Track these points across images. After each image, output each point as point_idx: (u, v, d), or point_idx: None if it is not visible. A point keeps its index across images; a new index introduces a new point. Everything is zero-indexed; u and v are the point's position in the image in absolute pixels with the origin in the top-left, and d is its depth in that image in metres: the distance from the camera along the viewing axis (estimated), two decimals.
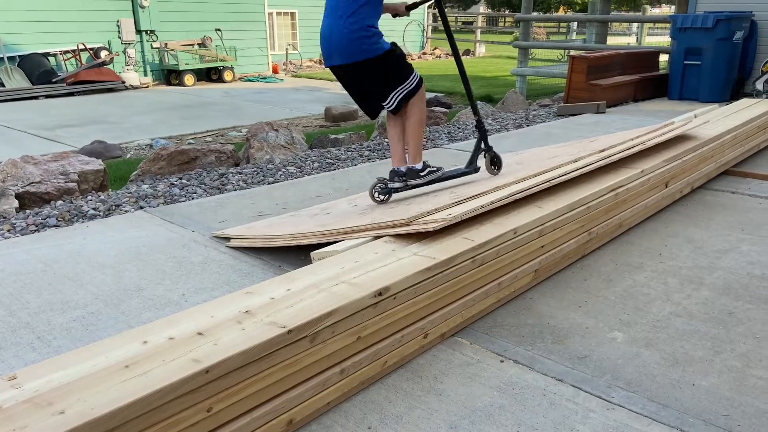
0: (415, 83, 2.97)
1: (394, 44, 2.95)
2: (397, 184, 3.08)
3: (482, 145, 3.22)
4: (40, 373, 1.45)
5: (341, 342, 1.77)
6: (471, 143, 5.49)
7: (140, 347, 1.55)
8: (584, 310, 2.39)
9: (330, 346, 1.74)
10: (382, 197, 3.07)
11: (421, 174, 3.07)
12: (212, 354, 1.49)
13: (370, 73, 2.91)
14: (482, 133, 3.22)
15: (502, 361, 2.03)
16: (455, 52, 3.20)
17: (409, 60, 3.04)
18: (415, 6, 3.09)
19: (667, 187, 3.52)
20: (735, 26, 7.38)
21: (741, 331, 2.22)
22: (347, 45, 2.82)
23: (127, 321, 2.25)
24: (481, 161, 3.27)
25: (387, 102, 2.98)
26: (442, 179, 3.15)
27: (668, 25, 8.06)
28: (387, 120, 3.15)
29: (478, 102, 8.09)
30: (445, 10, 3.58)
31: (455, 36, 3.27)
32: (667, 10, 27.84)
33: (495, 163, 3.25)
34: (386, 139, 6.07)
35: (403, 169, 3.08)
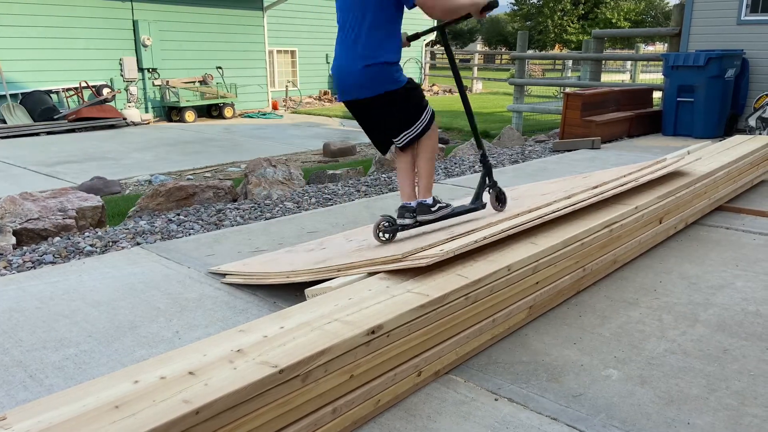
0: (427, 120, 2.88)
1: (410, 80, 2.85)
2: (407, 221, 2.89)
3: (487, 181, 3.11)
4: (30, 414, 1.45)
5: (334, 381, 1.76)
6: (467, 179, 5.54)
7: (131, 387, 1.54)
8: (579, 347, 2.38)
9: (322, 385, 1.73)
10: (386, 236, 2.87)
11: (432, 209, 2.89)
12: (203, 394, 1.48)
13: (381, 108, 2.80)
14: (487, 169, 3.11)
15: (496, 399, 2.01)
16: (459, 86, 3.12)
17: None
18: (416, 37, 3.00)
19: (661, 223, 3.54)
20: (726, 64, 7.52)
21: (736, 369, 2.21)
22: (361, 78, 2.73)
23: (120, 359, 2.24)
24: (486, 197, 3.15)
25: (398, 139, 2.89)
26: (452, 215, 3.00)
27: (661, 63, 8.20)
28: (396, 154, 2.99)
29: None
30: None
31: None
32: (660, 48, 28.35)
33: (500, 199, 3.14)
34: (383, 175, 6.12)
35: (413, 204, 2.90)
